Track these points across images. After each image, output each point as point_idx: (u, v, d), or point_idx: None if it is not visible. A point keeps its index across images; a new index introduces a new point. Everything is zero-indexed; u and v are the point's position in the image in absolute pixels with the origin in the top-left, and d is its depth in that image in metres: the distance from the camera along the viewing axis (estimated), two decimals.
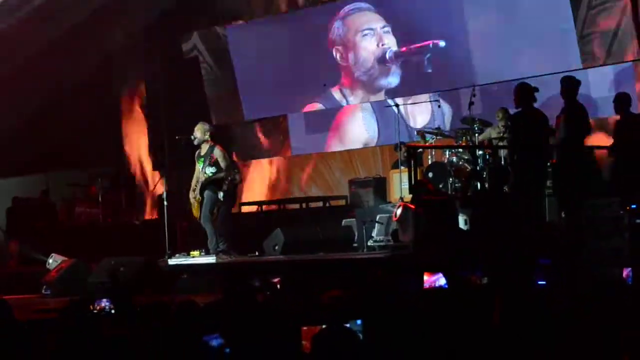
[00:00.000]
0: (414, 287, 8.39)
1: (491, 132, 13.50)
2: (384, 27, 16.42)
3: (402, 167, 13.55)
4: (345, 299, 6.81)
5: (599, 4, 14.16)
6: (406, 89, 16.30)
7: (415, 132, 14.39)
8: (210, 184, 12.98)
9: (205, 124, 13.36)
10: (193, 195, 13.15)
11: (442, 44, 15.62)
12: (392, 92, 16.42)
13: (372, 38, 16.59)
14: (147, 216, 19.09)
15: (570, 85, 11.12)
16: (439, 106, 14.86)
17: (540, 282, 8.77)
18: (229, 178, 13.07)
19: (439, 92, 15.50)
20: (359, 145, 17.28)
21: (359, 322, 5.97)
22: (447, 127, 15.14)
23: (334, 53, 17.11)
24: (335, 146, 17.61)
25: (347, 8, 16.98)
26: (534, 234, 10.01)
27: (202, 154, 13.13)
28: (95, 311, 7.98)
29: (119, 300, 8.08)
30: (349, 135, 17.40)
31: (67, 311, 6.69)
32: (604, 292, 6.38)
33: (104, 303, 8.31)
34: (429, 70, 15.86)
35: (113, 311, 8.15)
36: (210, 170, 12.96)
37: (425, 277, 8.71)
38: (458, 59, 15.48)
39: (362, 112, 17.22)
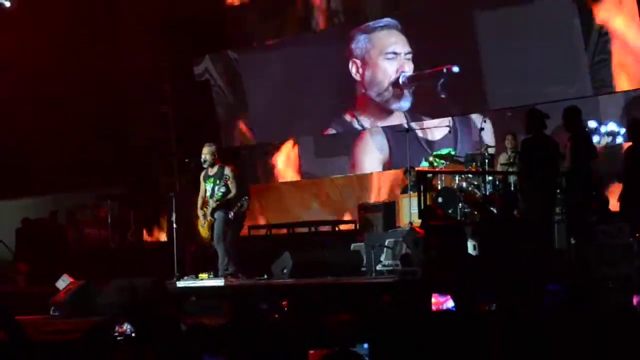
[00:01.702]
0: (422, 310, 8.36)
1: (500, 159, 13.49)
2: (408, 53, 16.31)
3: (412, 192, 13.51)
4: (352, 322, 6.80)
5: (610, 31, 14.17)
6: (419, 113, 16.31)
7: (424, 158, 14.32)
8: (221, 205, 12.98)
9: (212, 145, 13.30)
10: (202, 214, 13.14)
11: (455, 69, 15.62)
12: (404, 116, 16.44)
13: (394, 62, 16.48)
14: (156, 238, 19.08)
15: (571, 115, 11.13)
16: (450, 132, 14.84)
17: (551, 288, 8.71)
18: (238, 204, 13.09)
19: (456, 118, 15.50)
20: (370, 170, 17.25)
21: (365, 345, 5.95)
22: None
23: (350, 65, 17.02)
24: (345, 170, 17.59)
25: (374, 22, 16.82)
26: (543, 260, 9.96)
27: (210, 174, 13.11)
28: (116, 334, 7.90)
29: (140, 320, 8.02)
30: (360, 160, 17.37)
31: (90, 334, 6.68)
32: (616, 318, 6.36)
33: (126, 326, 8.23)
34: (443, 96, 15.84)
35: (134, 334, 8.07)
36: (221, 191, 12.95)
37: (434, 300, 8.68)
38: (471, 85, 15.49)
39: (373, 136, 17.20)
